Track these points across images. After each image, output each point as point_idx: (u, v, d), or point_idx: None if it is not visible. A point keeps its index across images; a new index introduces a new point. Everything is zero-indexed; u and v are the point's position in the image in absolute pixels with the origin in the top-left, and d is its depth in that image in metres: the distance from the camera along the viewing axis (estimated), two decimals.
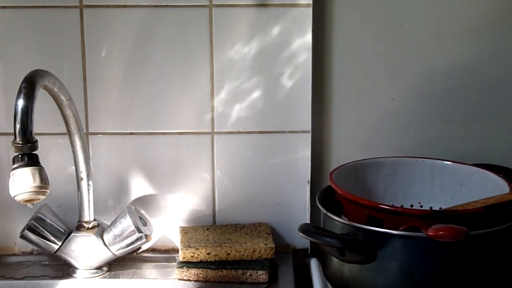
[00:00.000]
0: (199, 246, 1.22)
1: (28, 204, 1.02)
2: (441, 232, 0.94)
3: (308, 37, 1.24)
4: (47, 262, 1.30)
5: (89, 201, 1.24)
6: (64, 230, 1.25)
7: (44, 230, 1.23)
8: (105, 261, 1.26)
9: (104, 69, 1.26)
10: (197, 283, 1.21)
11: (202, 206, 1.32)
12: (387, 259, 1.02)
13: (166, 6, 1.23)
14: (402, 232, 1.00)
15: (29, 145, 1.00)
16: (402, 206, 1.22)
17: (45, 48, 1.25)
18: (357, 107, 1.30)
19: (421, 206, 1.23)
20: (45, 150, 1.19)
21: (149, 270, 1.27)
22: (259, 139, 1.29)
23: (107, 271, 1.26)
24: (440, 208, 1.21)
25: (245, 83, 1.26)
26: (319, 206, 1.13)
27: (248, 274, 1.21)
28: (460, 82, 1.29)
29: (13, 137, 1.01)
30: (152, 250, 1.33)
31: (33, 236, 1.23)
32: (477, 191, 1.16)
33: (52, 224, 1.24)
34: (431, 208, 1.22)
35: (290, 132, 1.28)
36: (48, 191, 1.02)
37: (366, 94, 1.29)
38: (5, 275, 1.25)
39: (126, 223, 1.23)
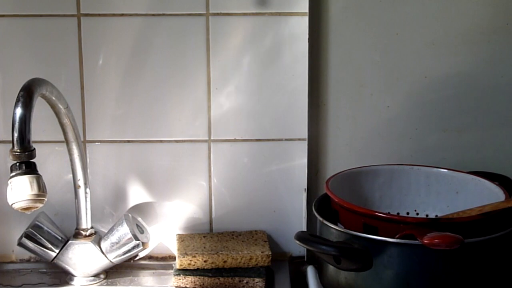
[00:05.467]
0: (196, 253, 1.22)
1: (26, 212, 1.02)
2: (436, 240, 0.95)
3: (304, 46, 1.25)
4: (44, 270, 1.30)
5: (86, 208, 1.24)
6: (62, 237, 1.25)
7: (42, 238, 1.23)
8: (102, 269, 1.26)
9: (101, 77, 1.26)
10: None
11: (199, 213, 1.32)
12: (382, 267, 1.02)
13: (163, 14, 1.24)
14: (397, 240, 1.01)
15: (27, 153, 1.01)
16: (398, 214, 1.23)
17: (43, 57, 1.25)
18: (353, 115, 1.30)
19: (417, 214, 1.23)
20: (42, 158, 1.20)
21: (146, 278, 1.28)
22: (255, 147, 1.29)
23: (104, 279, 1.26)
24: (436, 216, 1.21)
25: (242, 91, 1.27)
26: (315, 214, 1.13)
27: (245, 281, 1.21)
28: (456, 90, 1.29)
29: (11, 145, 1.01)
30: (149, 257, 1.33)
31: (30, 244, 1.23)
32: (473, 199, 1.16)
33: (50, 232, 1.24)
34: (427, 216, 1.22)
35: (286, 140, 1.29)
36: (45, 199, 1.02)
37: (362, 102, 1.30)
38: (2, 283, 1.26)
39: (123, 231, 1.24)
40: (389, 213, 1.21)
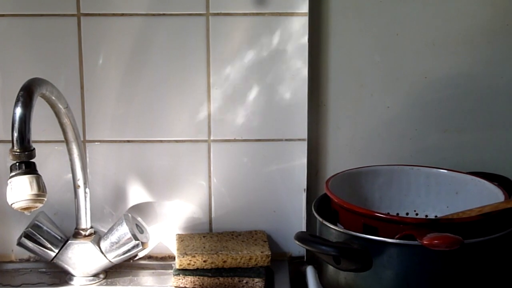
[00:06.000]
0: (196, 253, 1.22)
1: (26, 212, 1.02)
2: (435, 241, 0.95)
3: (305, 46, 1.25)
4: (44, 270, 1.30)
5: (86, 208, 1.24)
6: (61, 237, 1.25)
7: (41, 238, 1.23)
8: (101, 269, 1.26)
9: (101, 77, 1.26)
10: None
11: (198, 213, 1.32)
12: (382, 267, 1.02)
13: (164, 14, 1.24)
14: (397, 241, 1.01)
15: (26, 153, 1.01)
16: (397, 214, 1.23)
17: (42, 57, 1.25)
18: (353, 116, 1.30)
19: (417, 214, 1.23)
20: (42, 157, 1.20)
21: (146, 278, 1.28)
22: (255, 147, 1.29)
23: (103, 279, 1.26)
24: (436, 216, 1.21)
25: (242, 91, 1.27)
26: (315, 214, 1.13)
27: (245, 281, 1.21)
28: (456, 90, 1.30)
29: (10, 145, 1.01)
30: (148, 257, 1.33)
31: (30, 244, 1.23)
32: (473, 199, 1.16)
33: (49, 232, 1.24)
34: (426, 216, 1.22)
35: (286, 140, 1.29)
36: (45, 199, 1.02)
37: (362, 103, 1.30)
38: (2, 282, 1.26)
39: (123, 231, 1.24)
40: (388, 213, 1.21)
